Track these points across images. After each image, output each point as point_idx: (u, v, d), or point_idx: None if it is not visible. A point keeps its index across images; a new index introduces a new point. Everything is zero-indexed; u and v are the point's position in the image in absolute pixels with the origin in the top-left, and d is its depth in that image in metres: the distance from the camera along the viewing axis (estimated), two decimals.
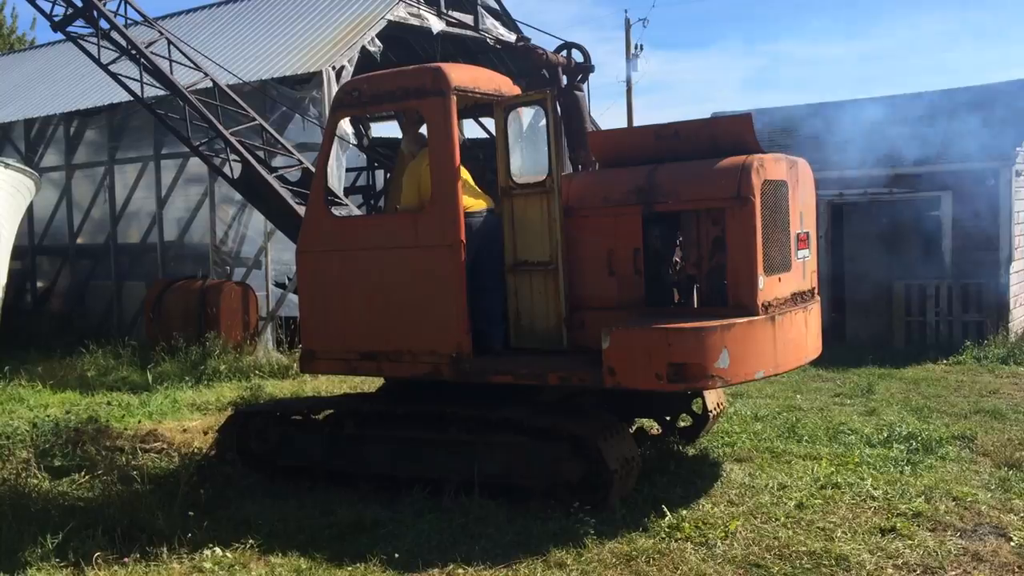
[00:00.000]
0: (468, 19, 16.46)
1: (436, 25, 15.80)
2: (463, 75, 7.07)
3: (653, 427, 8.57)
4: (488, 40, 13.37)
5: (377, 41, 14.93)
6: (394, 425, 7.15)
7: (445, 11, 15.89)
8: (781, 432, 8.63)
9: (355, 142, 11.57)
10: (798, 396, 10.58)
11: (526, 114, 7.16)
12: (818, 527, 6.00)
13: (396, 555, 5.64)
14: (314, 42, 15.38)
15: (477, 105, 7.58)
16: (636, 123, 28.65)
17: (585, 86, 7.50)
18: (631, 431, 7.90)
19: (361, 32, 14.89)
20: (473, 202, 7.03)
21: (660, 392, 6.88)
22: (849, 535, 5.84)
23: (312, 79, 14.23)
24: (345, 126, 11.13)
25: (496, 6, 17.09)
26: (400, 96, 7.07)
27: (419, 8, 14.49)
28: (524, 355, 6.83)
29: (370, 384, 8.37)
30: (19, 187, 13.51)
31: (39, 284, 19.38)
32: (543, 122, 6.76)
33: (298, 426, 7.75)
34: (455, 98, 6.79)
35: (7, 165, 13.14)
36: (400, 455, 7.04)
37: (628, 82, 28.12)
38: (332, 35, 15.28)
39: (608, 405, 7.35)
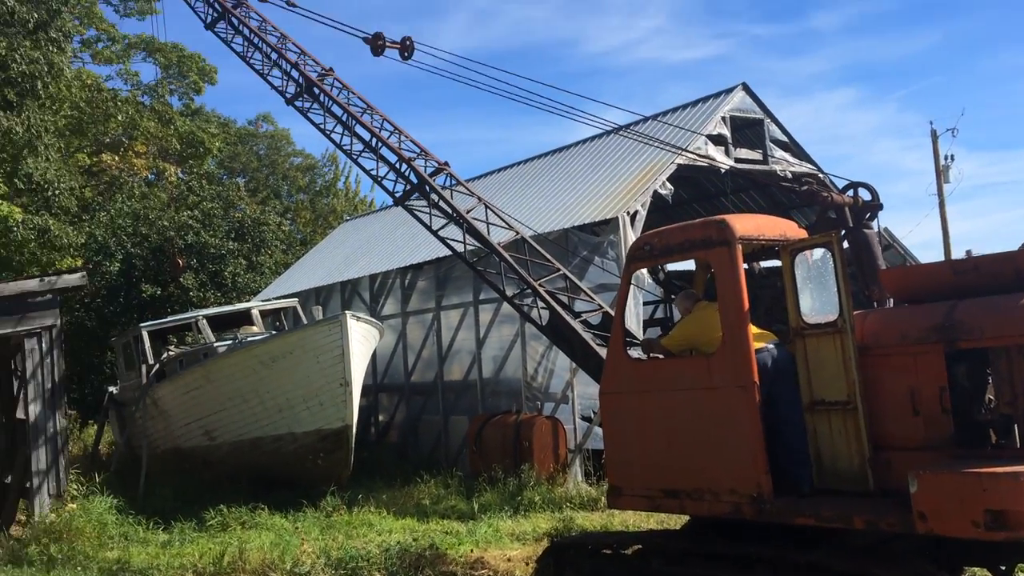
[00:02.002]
0: (756, 155, 16.83)
1: (724, 163, 16.36)
2: (747, 225, 7.46)
3: None
4: (777, 172, 13.65)
5: (668, 184, 15.80)
6: (699, 564, 7.32)
7: (734, 148, 16.44)
8: None
9: (650, 280, 12.24)
10: None
11: (813, 254, 7.33)
12: None
13: None
14: (610, 190, 16.62)
15: (764, 248, 7.89)
16: (952, 234, 26.55)
17: (875, 223, 7.55)
18: None
19: (653, 177, 15.87)
20: (756, 336, 7.16)
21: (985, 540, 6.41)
22: None
23: (609, 224, 15.35)
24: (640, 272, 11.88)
25: (784, 138, 17.31)
26: (688, 248, 7.59)
27: (708, 151, 15.19)
28: (827, 496, 6.77)
29: (677, 520, 8.61)
30: (368, 336, 15.84)
31: (380, 418, 22.03)
32: (831, 262, 6.90)
33: (607, 559, 8.18)
34: (740, 247, 7.17)
35: (359, 319, 15.50)
36: None
37: (940, 195, 26.12)
38: (626, 183, 16.42)
39: (931, 551, 6.92)
